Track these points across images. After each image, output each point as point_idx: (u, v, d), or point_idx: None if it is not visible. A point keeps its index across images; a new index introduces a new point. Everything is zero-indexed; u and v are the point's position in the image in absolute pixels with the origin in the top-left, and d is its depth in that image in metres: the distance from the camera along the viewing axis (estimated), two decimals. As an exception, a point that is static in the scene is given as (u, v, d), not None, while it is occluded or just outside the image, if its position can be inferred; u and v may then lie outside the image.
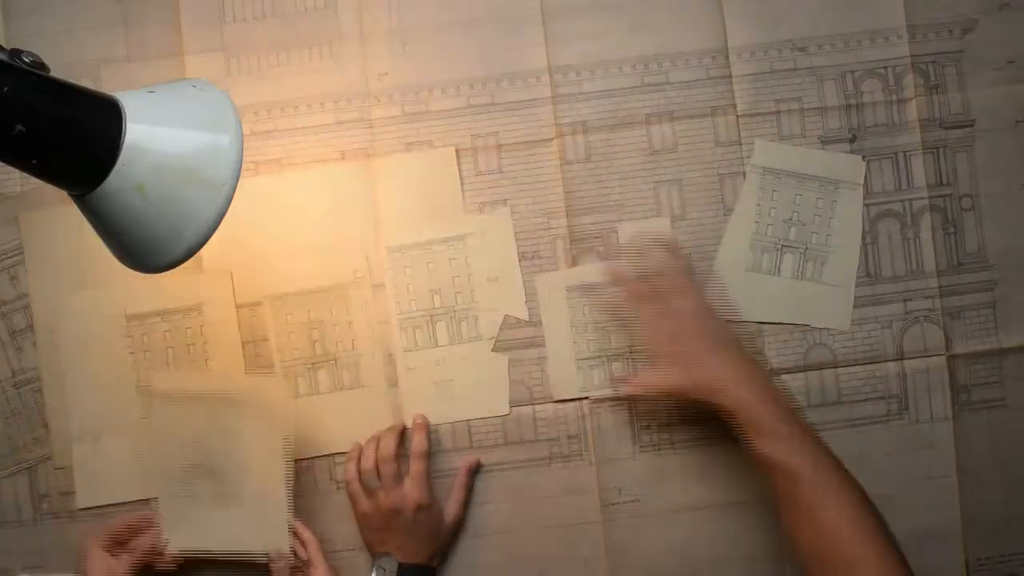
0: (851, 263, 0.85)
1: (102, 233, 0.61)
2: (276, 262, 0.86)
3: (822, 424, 0.85)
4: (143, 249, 0.60)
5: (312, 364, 0.86)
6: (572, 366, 0.86)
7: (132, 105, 0.58)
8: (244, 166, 0.61)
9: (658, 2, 0.86)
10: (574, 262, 0.86)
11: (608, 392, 0.85)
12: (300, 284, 0.86)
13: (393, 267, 0.86)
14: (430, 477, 0.81)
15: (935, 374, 0.85)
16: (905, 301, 0.85)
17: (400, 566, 0.78)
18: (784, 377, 0.85)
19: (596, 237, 0.86)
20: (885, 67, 0.86)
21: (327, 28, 0.86)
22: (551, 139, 0.86)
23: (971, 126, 0.86)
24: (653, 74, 0.86)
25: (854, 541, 0.66)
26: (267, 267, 0.86)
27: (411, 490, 0.79)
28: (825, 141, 0.86)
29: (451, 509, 0.82)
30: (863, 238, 0.85)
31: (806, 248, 0.85)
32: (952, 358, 0.85)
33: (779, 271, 0.85)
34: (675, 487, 0.85)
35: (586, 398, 0.85)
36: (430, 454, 0.82)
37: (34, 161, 0.55)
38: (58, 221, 0.85)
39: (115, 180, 0.56)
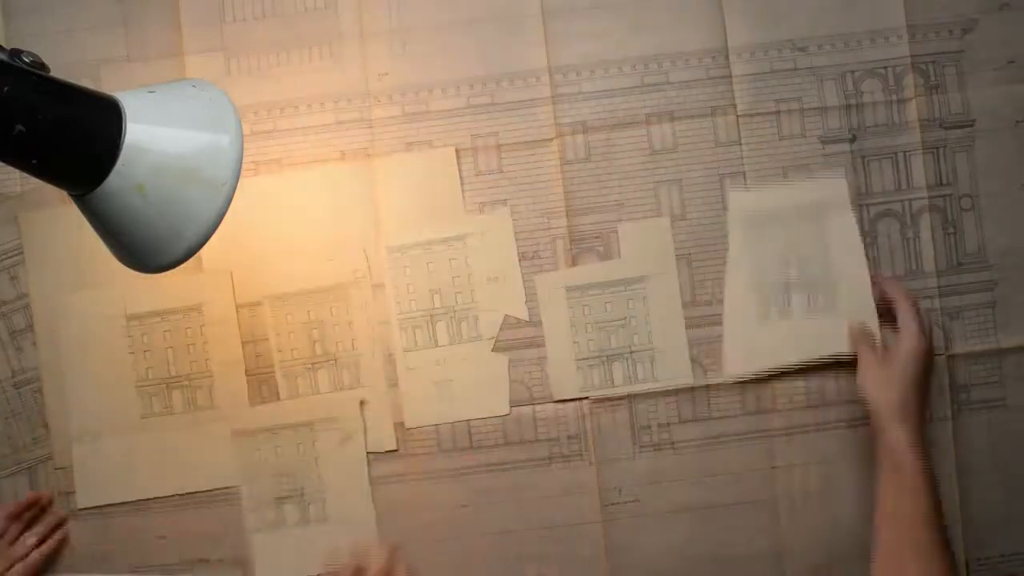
0: (863, 284, 0.84)
1: (102, 233, 0.61)
2: (276, 262, 0.86)
3: (822, 424, 0.85)
4: (143, 249, 0.60)
5: (312, 364, 0.86)
6: (572, 366, 0.86)
7: (132, 105, 0.58)
8: (244, 166, 0.62)
9: (658, 2, 0.86)
10: (574, 262, 0.86)
11: (608, 392, 0.85)
12: (300, 284, 0.86)
13: (393, 267, 0.86)
14: None
15: (935, 374, 0.85)
16: (905, 301, 0.85)
17: None
18: (784, 377, 0.85)
19: (596, 237, 0.86)
20: (885, 67, 0.86)
21: (327, 28, 0.86)
22: (551, 139, 0.86)
23: (971, 126, 0.86)
24: (653, 74, 0.86)
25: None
26: (267, 267, 0.86)
27: None
28: (825, 141, 0.86)
29: None
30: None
31: (811, 282, 0.85)
32: (952, 358, 0.85)
33: (791, 312, 0.85)
34: (675, 487, 0.85)
35: (586, 398, 0.85)
36: None
37: (34, 161, 0.55)
38: (58, 221, 0.85)
39: (115, 180, 0.56)
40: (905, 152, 0.86)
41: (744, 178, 0.85)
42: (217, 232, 0.60)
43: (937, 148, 0.86)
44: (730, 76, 0.86)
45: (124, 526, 0.85)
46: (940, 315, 0.85)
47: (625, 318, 0.86)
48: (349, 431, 0.86)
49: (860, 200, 0.86)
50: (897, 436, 0.75)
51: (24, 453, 0.86)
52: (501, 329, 0.86)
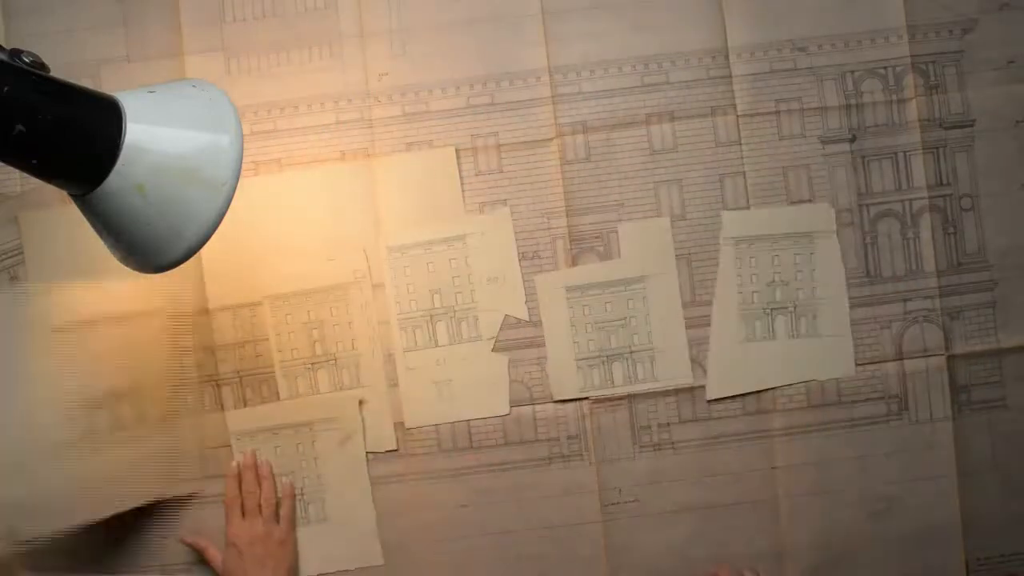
0: (842, 311, 0.85)
1: (102, 233, 0.61)
2: (276, 262, 0.86)
3: (822, 424, 0.85)
4: (143, 249, 0.60)
5: (312, 364, 0.86)
6: (572, 366, 0.86)
7: (132, 105, 0.58)
8: (244, 166, 0.61)
9: (658, 2, 0.86)
10: (574, 262, 0.86)
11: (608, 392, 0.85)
12: (300, 284, 0.86)
13: (393, 267, 0.86)
14: None
15: (935, 374, 0.85)
16: (905, 301, 0.85)
17: None
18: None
19: (596, 237, 0.86)
20: (885, 67, 0.86)
21: (327, 28, 0.86)
22: (551, 139, 0.86)
23: (971, 126, 0.86)
24: (653, 74, 0.86)
25: None
26: (267, 267, 0.86)
27: (283, 526, 0.83)
28: (825, 141, 0.86)
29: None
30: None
31: (795, 306, 0.85)
32: (952, 358, 0.85)
33: (774, 335, 0.85)
34: (675, 487, 0.85)
35: (586, 398, 0.85)
36: None
37: (34, 161, 0.55)
38: (58, 221, 0.85)
39: (115, 180, 0.56)
40: (905, 152, 0.86)
41: (744, 178, 0.86)
42: (217, 232, 0.60)
43: (937, 148, 0.86)
44: (730, 76, 0.86)
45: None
46: (940, 315, 0.85)
47: (625, 318, 0.86)
48: (349, 431, 0.86)
49: (860, 200, 0.86)
50: None
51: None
52: (501, 329, 0.86)
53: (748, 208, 0.86)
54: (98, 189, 0.57)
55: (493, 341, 0.86)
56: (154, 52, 0.86)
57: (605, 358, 0.86)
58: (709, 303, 0.86)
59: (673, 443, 0.85)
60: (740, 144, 0.86)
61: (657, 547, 0.85)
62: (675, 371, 0.86)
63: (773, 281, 0.85)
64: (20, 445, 0.81)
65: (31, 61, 0.54)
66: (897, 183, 0.86)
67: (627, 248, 0.86)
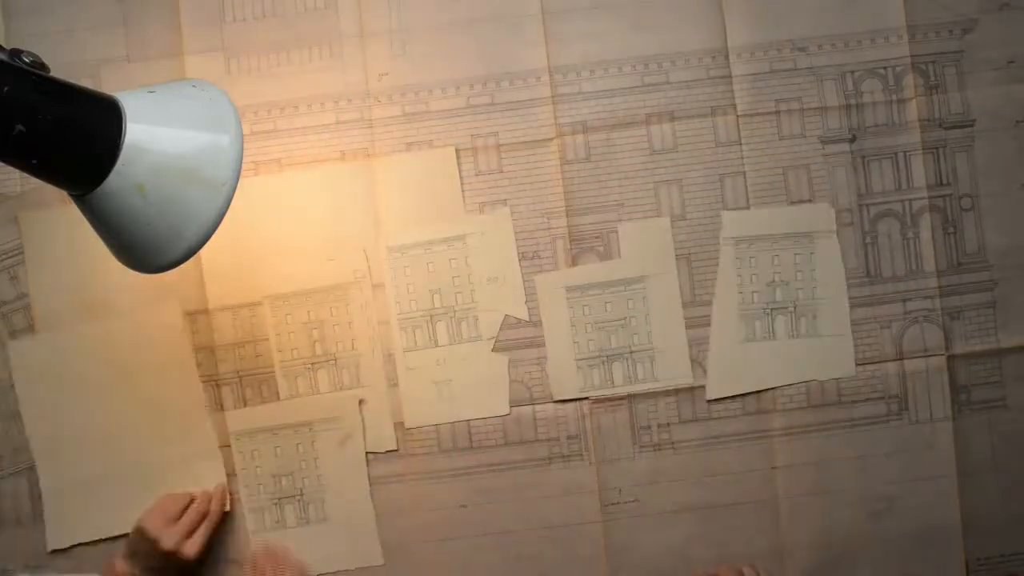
0: (842, 310, 0.85)
1: (102, 233, 0.61)
2: (276, 262, 0.86)
3: (822, 424, 0.85)
4: (143, 249, 0.60)
5: (312, 364, 0.86)
6: (572, 366, 0.86)
7: (132, 105, 0.58)
8: (244, 166, 0.62)
9: (658, 2, 0.86)
10: (574, 262, 0.86)
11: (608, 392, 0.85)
12: (300, 284, 0.86)
13: (393, 267, 0.86)
14: None
15: (935, 374, 0.85)
16: (905, 301, 0.85)
17: None
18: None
19: (596, 237, 0.86)
20: (885, 67, 0.86)
21: (327, 28, 0.86)
22: (551, 139, 0.86)
23: (971, 126, 0.86)
24: (653, 74, 0.86)
25: None
26: (267, 267, 0.86)
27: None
28: (825, 141, 0.86)
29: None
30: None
31: (795, 306, 0.85)
32: (952, 358, 0.85)
33: (774, 335, 0.85)
34: (675, 487, 0.85)
35: (586, 398, 0.85)
36: None
37: (34, 161, 0.55)
38: (58, 221, 0.85)
39: (115, 180, 0.56)
40: (905, 152, 0.86)
41: (744, 178, 0.86)
42: (217, 232, 0.60)
43: (937, 148, 0.86)
44: (730, 76, 0.86)
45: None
46: (940, 315, 0.85)
47: (625, 318, 0.86)
48: (349, 431, 0.86)
49: (860, 200, 0.86)
50: None
51: (25, 454, 0.86)
52: (501, 329, 0.86)
53: (748, 208, 0.86)
54: (98, 189, 0.57)
55: (493, 341, 0.86)
56: (154, 52, 0.86)
57: (605, 358, 0.86)
58: (709, 303, 0.86)
59: (673, 443, 0.85)
60: (740, 144, 0.86)
61: (657, 547, 0.85)
62: (675, 371, 0.85)
63: (773, 281, 0.85)
64: None
65: (31, 61, 0.54)
66: (897, 183, 0.86)
67: (627, 248, 0.86)
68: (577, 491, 0.85)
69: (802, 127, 0.86)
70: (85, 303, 0.85)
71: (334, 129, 0.86)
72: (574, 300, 0.86)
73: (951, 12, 0.85)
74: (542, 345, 0.86)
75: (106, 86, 0.84)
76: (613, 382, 0.85)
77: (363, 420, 0.85)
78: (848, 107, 0.86)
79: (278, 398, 0.86)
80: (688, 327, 0.85)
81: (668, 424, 0.85)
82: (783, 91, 0.86)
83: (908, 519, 0.85)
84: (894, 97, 0.86)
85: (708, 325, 0.85)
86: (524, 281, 0.86)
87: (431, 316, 0.86)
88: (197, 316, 0.85)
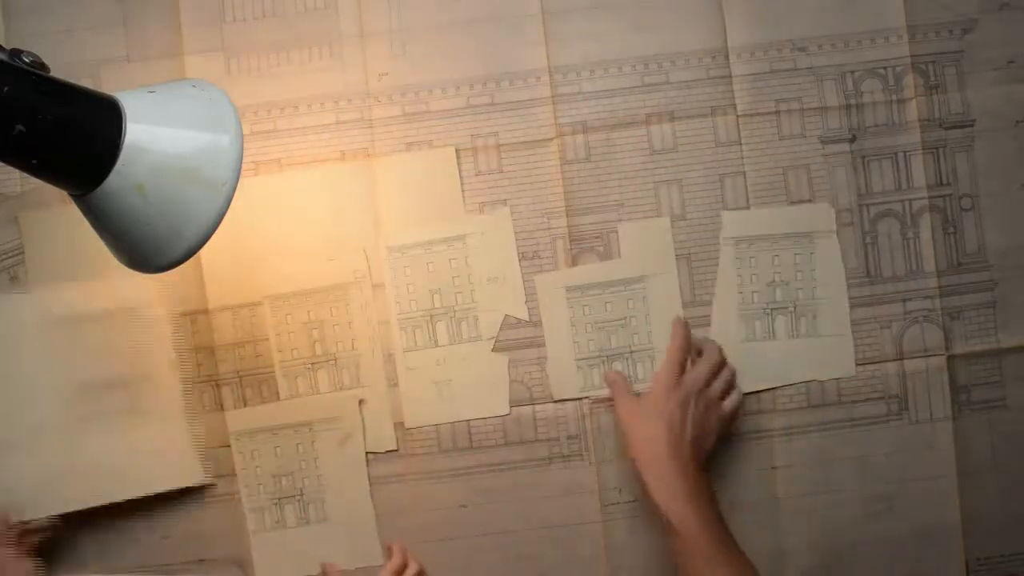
0: (842, 310, 0.85)
1: (102, 233, 0.61)
2: (276, 262, 0.86)
3: (822, 424, 0.85)
4: (143, 249, 0.60)
5: (312, 364, 0.86)
6: (572, 366, 0.86)
7: (132, 105, 0.58)
8: (244, 166, 0.61)
9: (658, 2, 0.86)
10: (574, 262, 0.86)
11: (608, 392, 0.85)
12: (300, 284, 0.86)
13: (393, 267, 0.86)
14: None
15: (935, 374, 0.85)
16: (905, 301, 0.85)
17: None
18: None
19: (596, 237, 0.86)
20: (885, 67, 0.86)
21: (327, 28, 0.86)
22: (551, 139, 0.86)
23: (971, 126, 0.86)
24: (653, 74, 0.86)
25: None
26: (267, 267, 0.86)
27: None
28: (825, 141, 0.86)
29: None
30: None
31: (795, 306, 0.85)
32: (952, 358, 0.85)
33: (774, 335, 0.85)
34: (675, 487, 0.85)
35: (586, 398, 0.85)
36: None
37: (34, 161, 0.55)
38: (58, 221, 0.85)
39: (115, 180, 0.56)
40: (905, 152, 0.86)
41: (744, 178, 0.86)
42: (217, 232, 0.60)
43: (937, 148, 0.86)
44: (730, 76, 0.86)
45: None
46: (940, 315, 0.85)
47: (625, 318, 0.86)
48: (349, 431, 0.86)
49: (860, 200, 0.86)
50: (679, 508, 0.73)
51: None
52: (501, 329, 0.86)
53: (748, 208, 0.86)
54: (98, 189, 0.57)
55: (493, 341, 0.86)
56: (154, 52, 0.86)
57: (605, 358, 0.86)
58: (709, 303, 0.86)
59: (673, 443, 0.85)
60: (740, 144, 0.86)
61: (657, 547, 0.85)
62: (675, 371, 0.85)
63: (773, 281, 0.85)
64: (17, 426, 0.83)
65: (31, 61, 0.54)
66: (897, 183, 0.86)
67: (627, 248, 0.86)
68: (577, 491, 0.85)
69: (802, 127, 0.86)
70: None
71: (334, 129, 0.86)
72: (574, 300, 0.86)
73: (951, 12, 0.85)
74: (542, 345, 0.86)
75: (106, 86, 0.84)
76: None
77: (363, 420, 0.85)
78: (848, 107, 0.86)
79: (278, 398, 0.86)
80: (688, 327, 0.85)
81: (668, 424, 0.85)
82: (783, 91, 0.86)
83: (908, 519, 0.85)
84: (894, 97, 0.86)
85: (708, 325, 0.85)
86: (524, 281, 0.86)
87: (431, 316, 0.86)
88: (197, 316, 0.85)
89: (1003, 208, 0.86)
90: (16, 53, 0.54)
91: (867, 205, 0.86)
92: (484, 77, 0.86)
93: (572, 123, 0.86)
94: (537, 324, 0.86)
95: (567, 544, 0.85)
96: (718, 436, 0.79)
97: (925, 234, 0.85)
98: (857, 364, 0.85)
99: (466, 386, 0.86)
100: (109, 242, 0.62)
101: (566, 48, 0.86)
